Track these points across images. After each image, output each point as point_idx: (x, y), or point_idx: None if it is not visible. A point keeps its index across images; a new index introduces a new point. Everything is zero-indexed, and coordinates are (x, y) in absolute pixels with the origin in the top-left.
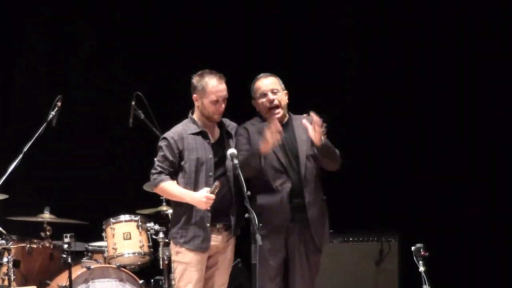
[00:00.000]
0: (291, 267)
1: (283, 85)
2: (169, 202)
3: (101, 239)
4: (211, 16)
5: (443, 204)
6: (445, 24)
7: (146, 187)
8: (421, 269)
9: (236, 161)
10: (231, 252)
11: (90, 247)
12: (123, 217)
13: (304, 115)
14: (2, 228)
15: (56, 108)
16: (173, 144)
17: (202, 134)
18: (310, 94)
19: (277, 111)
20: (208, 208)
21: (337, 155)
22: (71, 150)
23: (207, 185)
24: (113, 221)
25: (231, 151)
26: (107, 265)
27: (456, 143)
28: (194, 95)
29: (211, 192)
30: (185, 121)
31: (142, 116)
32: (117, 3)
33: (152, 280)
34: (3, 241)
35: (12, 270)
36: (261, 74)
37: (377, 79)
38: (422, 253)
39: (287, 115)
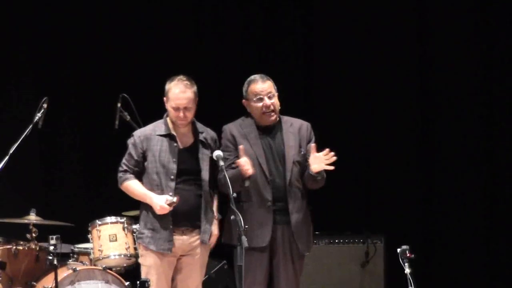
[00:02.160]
0: (275, 270)
1: (276, 88)
2: None
3: (87, 241)
4: (198, 16)
5: (428, 206)
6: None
7: None
8: (407, 271)
9: (222, 163)
10: (203, 254)
11: (76, 249)
12: (109, 219)
13: (297, 119)
14: None
15: (42, 110)
16: (138, 144)
17: (170, 136)
18: (296, 96)
19: (272, 117)
20: (163, 213)
21: (323, 181)
22: (57, 152)
23: (167, 188)
24: (99, 223)
25: (217, 153)
26: (93, 267)
27: (441, 144)
28: (164, 98)
29: (169, 204)
30: (158, 121)
31: (128, 118)
32: (103, 4)
33: (138, 282)
34: None
35: None
36: (257, 76)
37: (365, 80)
38: (408, 255)
39: (278, 117)
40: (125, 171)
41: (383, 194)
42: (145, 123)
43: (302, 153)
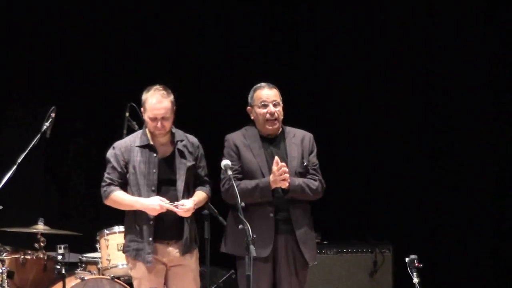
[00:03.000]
0: (278, 282)
1: (281, 98)
2: None
3: (95, 250)
4: (204, 26)
5: (437, 216)
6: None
7: None
8: (415, 280)
9: (230, 173)
10: (193, 264)
11: (84, 258)
12: (117, 228)
13: (300, 130)
14: None
15: (50, 120)
16: (119, 156)
17: (149, 147)
18: (302, 104)
19: (275, 126)
20: (156, 214)
21: (310, 193)
22: (65, 161)
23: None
24: (107, 232)
25: (225, 162)
26: (101, 276)
27: (449, 154)
28: (141, 108)
29: (164, 206)
30: (137, 132)
31: (136, 127)
32: (111, 11)
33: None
34: None
35: (6, 281)
36: (264, 84)
37: (373, 88)
38: (416, 264)
39: (280, 127)
40: (109, 184)
41: (392, 204)
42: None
43: (304, 164)
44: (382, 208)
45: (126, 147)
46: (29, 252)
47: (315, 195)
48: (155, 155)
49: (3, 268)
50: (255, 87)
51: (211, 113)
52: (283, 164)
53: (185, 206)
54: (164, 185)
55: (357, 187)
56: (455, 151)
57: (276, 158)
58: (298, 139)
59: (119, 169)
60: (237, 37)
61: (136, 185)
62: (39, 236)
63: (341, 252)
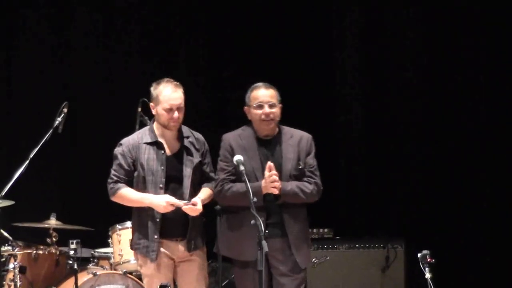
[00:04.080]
0: (275, 286)
1: (279, 99)
2: None
3: (107, 245)
4: (217, 21)
5: (449, 211)
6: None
7: None
8: (427, 275)
9: (242, 168)
10: (201, 260)
11: (96, 253)
12: (129, 224)
13: (298, 131)
14: (8, 234)
15: (63, 115)
16: (127, 153)
17: (157, 144)
18: (313, 98)
19: (270, 126)
20: (168, 210)
21: (304, 197)
22: (77, 156)
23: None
24: (119, 227)
25: (237, 157)
26: (113, 271)
27: (462, 149)
28: (151, 104)
29: (173, 203)
30: (144, 129)
31: (149, 122)
32: (123, 6)
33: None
34: (9, 247)
35: (18, 276)
36: (261, 84)
37: (381, 81)
38: (428, 259)
39: (277, 128)
40: (116, 181)
41: (403, 198)
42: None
43: (300, 166)
44: (394, 203)
45: (134, 144)
46: (41, 247)
47: (310, 199)
48: (162, 152)
49: (16, 263)
50: (252, 87)
51: (216, 110)
52: (275, 172)
53: (197, 207)
54: (171, 182)
55: (369, 183)
56: (468, 146)
57: (269, 163)
58: (295, 141)
59: (126, 167)
60: (244, 33)
61: (143, 182)
62: (51, 231)
63: (353, 247)
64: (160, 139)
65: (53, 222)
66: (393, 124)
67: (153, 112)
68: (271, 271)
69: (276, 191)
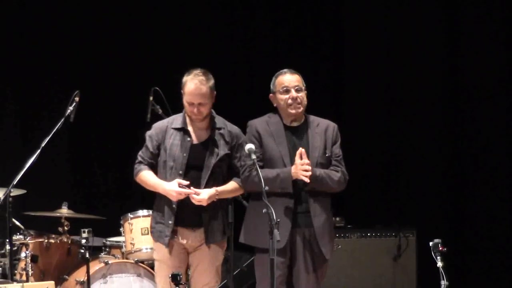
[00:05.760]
0: (295, 279)
1: (304, 85)
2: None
3: (119, 234)
4: (229, 12)
5: (461, 199)
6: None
7: None
8: (439, 264)
9: (254, 157)
10: (212, 251)
11: (108, 242)
12: (141, 212)
13: (324, 120)
14: (20, 223)
15: (74, 104)
16: (153, 136)
17: (184, 131)
18: (325, 92)
19: (298, 110)
20: (180, 198)
21: (332, 184)
22: (89, 145)
23: None
24: (131, 216)
25: (249, 146)
26: (125, 260)
27: (473, 137)
28: (182, 91)
29: (182, 186)
30: (178, 114)
31: (160, 111)
32: None
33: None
34: (21, 236)
35: (30, 265)
36: (286, 70)
37: (394, 74)
38: (440, 248)
39: (304, 116)
40: (140, 162)
41: (416, 188)
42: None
43: (327, 155)
44: (406, 192)
45: (162, 127)
46: (53, 236)
47: (337, 187)
48: (188, 139)
49: (27, 252)
50: (277, 73)
51: (235, 100)
52: (307, 161)
53: (199, 196)
54: (192, 170)
55: (381, 171)
56: (479, 134)
57: (301, 149)
58: (322, 129)
59: (151, 149)
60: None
61: (164, 167)
62: (63, 220)
63: (365, 236)
64: (189, 127)
65: (64, 211)
66: (406, 113)
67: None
68: (293, 260)
69: (307, 179)
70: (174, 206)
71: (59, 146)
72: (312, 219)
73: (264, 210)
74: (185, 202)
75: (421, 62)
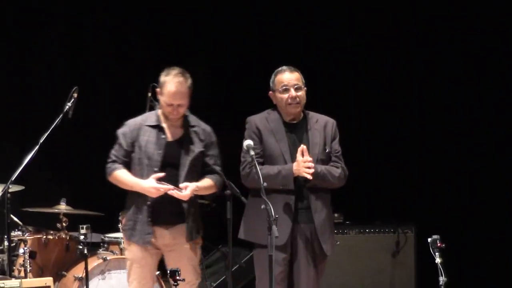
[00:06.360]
0: (296, 274)
1: (304, 82)
2: None
3: (117, 230)
4: (229, 8)
5: (459, 195)
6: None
7: None
8: (438, 260)
9: (252, 153)
10: (191, 249)
11: (106, 238)
12: None
13: (323, 116)
14: (18, 219)
15: (72, 100)
16: (127, 134)
17: (159, 128)
18: (328, 89)
19: (297, 109)
20: (159, 194)
21: (333, 180)
22: (87, 141)
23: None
24: None
25: (247, 142)
26: (123, 256)
27: (472, 134)
28: (157, 89)
29: (157, 179)
30: (152, 112)
31: (157, 107)
32: None
33: (168, 271)
34: (20, 232)
35: (28, 261)
36: (285, 67)
37: (393, 69)
38: (439, 244)
39: (302, 113)
40: (114, 161)
41: (414, 183)
42: None
43: (327, 151)
44: (405, 188)
45: (136, 125)
46: (51, 232)
47: (337, 183)
48: (163, 136)
49: (26, 248)
50: (276, 71)
51: (233, 97)
52: (310, 159)
53: (183, 192)
54: (167, 167)
55: (379, 167)
56: (478, 130)
57: (303, 146)
58: (321, 125)
59: (125, 147)
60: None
61: (139, 164)
62: (61, 216)
63: (363, 232)
64: (164, 124)
65: (63, 207)
66: (405, 109)
67: (158, 97)
68: (294, 256)
69: (309, 176)
70: (148, 203)
71: (57, 142)
72: (313, 215)
73: (262, 206)
74: (160, 201)
75: (419, 57)
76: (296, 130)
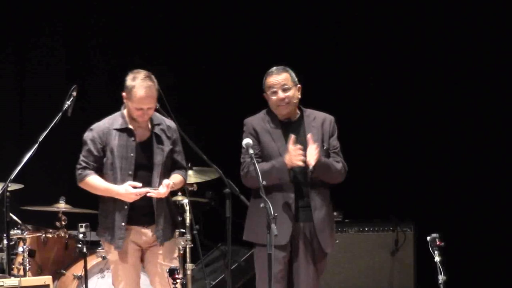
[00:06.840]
0: (295, 272)
1: (295, 79)
2: (184, 192)
3: None
4: (229, 8)
5: (458, 194)
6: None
7: None
8: (437, 259)
9: (251, 151)
10: (167, 247)
11: None
12: None
13: (321, 112)
14: (17, 217)
15: (72, 98)
16: (97, 139)
17: (127, 131)
18: (327, 86)
19: (287, 110)
20: (136, 199)
21: (335, 173)
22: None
23: (124, 182)
24: None
25: (246, 141)
26: None
27: (471, 133)
28: (123, 93)
29: (134, 186)
30: (115, 114)
31: (158, 106)
32: None
33: (167, 270)
34: (19, 231)
35: (27, 259)
36: (274, 69)
37: (393, 67)
38: (438, 243)
39: (299, 111)
40: (85, 167)
41: (413, 182)
42: (174, 112)
43: (325, 148)
44: (404, 186)
45: (104, 129)
46: (51, 230)
47: (338, 176)
48: (132, 139)
49: (25, 246)
50: (266, 72)
51: (230, 97)
52: (300, 146)
53: (160, 190)
54: (141, 169)
55: (379, 166)
56: (477, 129)
57: (292, 135)
58: (318, 122)
59: (96, 153)
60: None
61: (112, 168)
62: (60, 215)
63: (362, 230)
64: (131, 126)
65: (62, 205)
66: (405, 107)
67: (125, 101)
68: (294, 255)
69: (301, 163)
70: (126, 207)
71: (56, 140)
72: (312, 213)
73: (261, 205)
74: (134, 202)
75: (419, 54)
76: (293, 128)
